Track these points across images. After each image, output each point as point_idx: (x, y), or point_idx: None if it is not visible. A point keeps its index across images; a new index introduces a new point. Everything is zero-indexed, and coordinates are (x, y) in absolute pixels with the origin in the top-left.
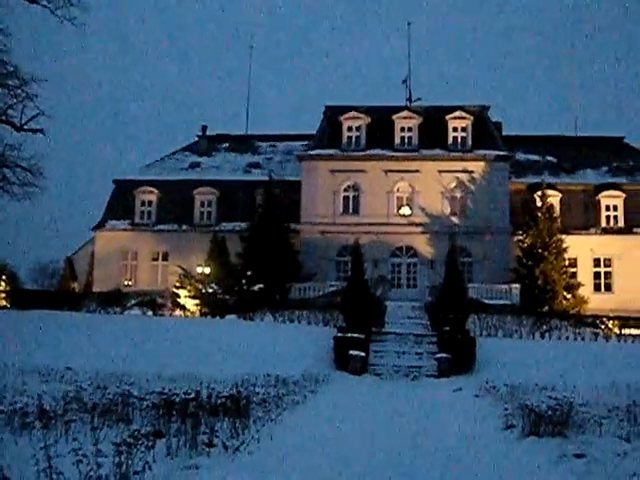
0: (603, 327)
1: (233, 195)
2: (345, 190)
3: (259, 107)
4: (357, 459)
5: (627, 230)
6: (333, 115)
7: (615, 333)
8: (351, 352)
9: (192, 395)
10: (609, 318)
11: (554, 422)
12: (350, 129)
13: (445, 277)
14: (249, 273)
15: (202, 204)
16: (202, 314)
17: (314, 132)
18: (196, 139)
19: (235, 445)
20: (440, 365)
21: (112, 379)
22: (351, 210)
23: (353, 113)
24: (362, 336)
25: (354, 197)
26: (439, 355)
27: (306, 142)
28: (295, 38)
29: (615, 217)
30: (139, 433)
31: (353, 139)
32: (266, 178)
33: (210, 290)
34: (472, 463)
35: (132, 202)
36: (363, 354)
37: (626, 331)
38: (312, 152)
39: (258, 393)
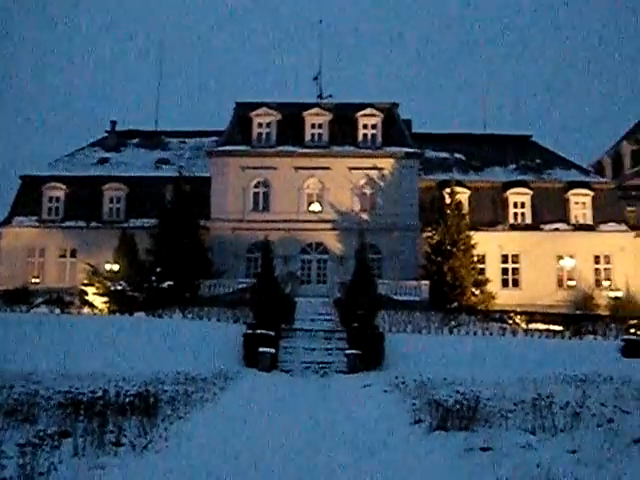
0: (510, 322)
1: (142, 191)
2: (255, 187)
3: (170, 103)
4: (265, 456)
5: (534, 227)
6: (244, 111)
7: (522, 328)
8: (261, 349)
9: (99, 394)
10: (516, 313)
11: (461, 416)
12: (260, 125)
13: (355, 273)
14: (158, 270)
15: (111, 200)
16: (110, 312)
17: (225, 129)
18: (105, 135)
19: (143, 444)
20: (350, 361)
21: (18, 378)
22: (261, 207)
23: (264, 109)
24: (272, 333)
25: (264, 194)
26: (349, 351)
27: (216, 138)
28: (207, 34)
29: (522, 214)
30: (44, 433)
31: (264, 135)
32: (176, 174)
33: (119, 287)
34: (381, 458)
35: (39, 198)
36: (273, 351)
37: (533, 326)
38: (222, 148)
39: (167, 391)
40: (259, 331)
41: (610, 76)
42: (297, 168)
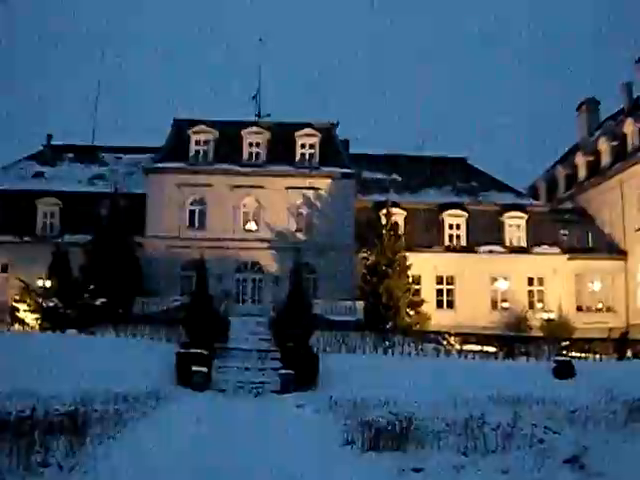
0: (445, 343)
1: (77, 206)
2: (191, 204)
3: (107, 118)
4: (192, 477)
5: (469, 249)
6: (182, 128)
7: (456, 349)
8: (194, 368)
9: (27, 413)
10: (451, 334)
11: (394, 437)
12: (198, 143)
13: (289, 293)
14: (91, 287)
15: (45, 215)
16: (42, 329)
17: (162, 145)
18: (41, 149)
19: (71, 464)
20: (283, 381)
21: None
22: (197, 225)
23: (202, 127)
24: (205, 352)
25: (200, 211)
26: (282, 371)
27: (153, 155)
28: (147, 51)
29: (458, 236)
30: None
31: (201, 153)
32: (111, 190)
33: (51, 304)
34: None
35: None
36: (206, 370)
37: (467, 347)
38: (159, 165)
39: (97, 410)
40: (192, 350)
41: (546, 100)
42: (234, 186)
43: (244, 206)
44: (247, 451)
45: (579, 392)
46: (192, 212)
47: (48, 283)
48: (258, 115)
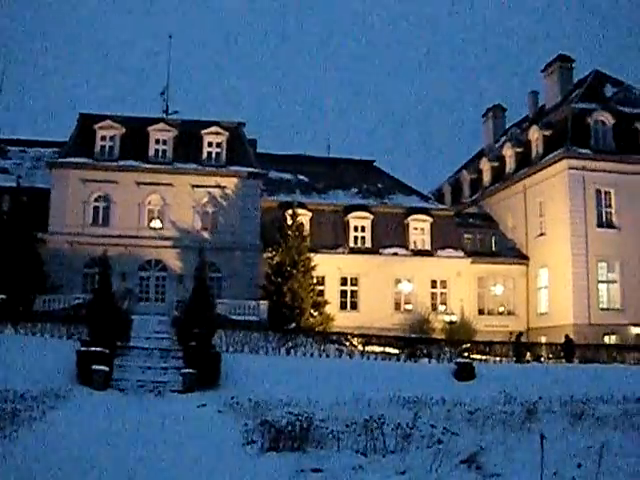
0: (348, 344)
1: None
2: (96, 200)
3: (11, 112)
4: (85, 477)
5: (374, 251)
6: (87, 123)
7: (359, 350)
8: (94, 367)
9: None
10: (353, 335)
11: (293, 437)
12: (104, 138)
13: (193, 292)
14: None
15: None
16: None
17: (67, 140)
18: None
19: None
20: (185, 380)
21: None
22: (101, 221)
23: (108, 122)
24: (106, 350)
25: (105, 208)
26: (185, 370)
27: (58, 149)
28: (56, 45)
29: (363, 238)
30: None
31: (107, 149)
32: (14, 184)
33: None
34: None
35: None
36: (107, 369)
37: (369, 348)
38: (63, 160)
39: None
40: (93, 348)
41: (452, 106)
42: (139, 183)
43: (149, 203)
44: (145, 451)
45: (479, 393)
46: (96, 208)
47: None
48: (166, 112)
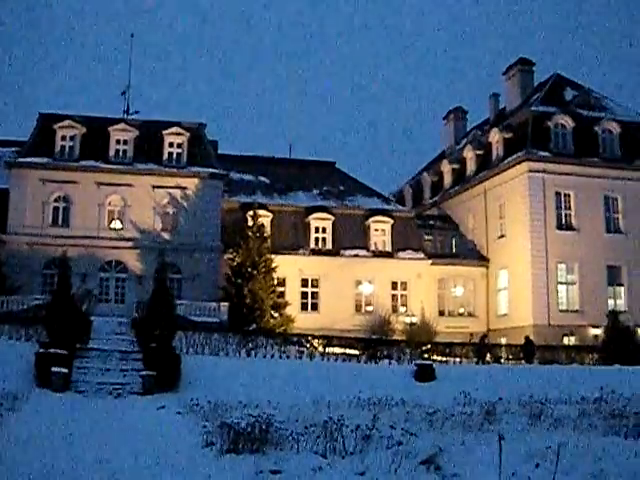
0: (308, 346)
1: None
2: (55, 201)
3: None
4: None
5: (335, 252)
6: (47, 123)
7: (319, 352)
8: (53, 369)
9: None
10: (314, 337)
11: (253, 439)
12: (64, 138)
13: (153, 293)
14: None
15: None
16: None
17: (27, 140)
18: None
19: None
20: (145, 382)
21: None
22: (61, 222)
23: (68, 122)
24: (65, 352)
25: (64, 208)
26: (144, 372)
27: (17, 149)
28: (16, 44)
29: (324, 239)
30: None
31: (67, 149)
32: None
33: None
34: None
35: None
36: (66, 371)
37: (330, 350)
38: (22, 160)
39: None
40: (52, 350)
41: (414, 108)
42: (100, 184)
43: (110, 204)
44: (104, 453)
45: (438, 395)
46: (56, 209)
47: None
48: (127, 112)
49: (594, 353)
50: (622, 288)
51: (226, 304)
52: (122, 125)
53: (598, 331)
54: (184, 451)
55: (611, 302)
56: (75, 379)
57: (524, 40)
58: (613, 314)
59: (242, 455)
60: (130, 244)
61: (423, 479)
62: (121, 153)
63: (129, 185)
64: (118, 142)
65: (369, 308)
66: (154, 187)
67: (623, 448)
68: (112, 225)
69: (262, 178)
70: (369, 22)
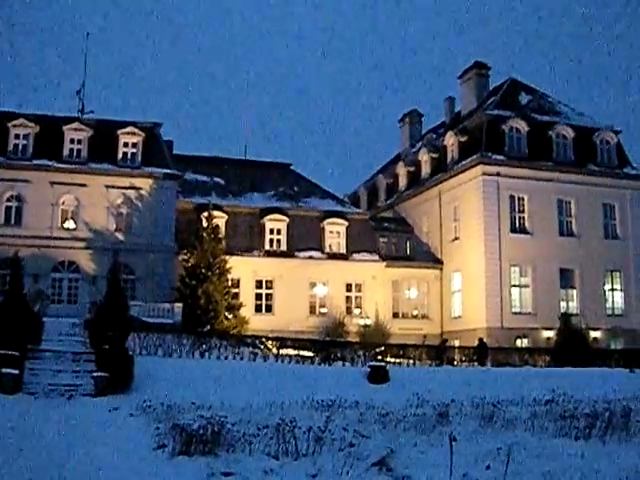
0: (262, 347)
1: None
2: (8, 200)
3: None
4: None
5: (289, 254)
6: (1, 121)
7: (273, 353)
8: (4, 370)
9: None
10: (268, 338)
11: (205, 441)
12: (17, 137)
13: (106, 294)
14: None
15: None
16: None
17: None
18: None
19: None
20: (97, 384)
21: None
22: (13, 221)
23: (22, 120)
24: (16, 353)
25: (17, 208)
26: (97, 374)
27: None
28: None
29: (278, 241)
30: None
31: (20, 147)
32: None
33: None
34: None
35: None
36: (17, 372)
37: (284, 351)
38: None
39: None
40: (3, 351)
41: (371, 110)
42: (53, 183)
43: (63, 204)
44: (55, 456)
45: (391, 397)
46: (8, 208)
47: None
48: (81, 111)
49: (546, 355)
50: (574, 291)
51: (180, 305)
52: (76, 124)
53: (550, 333)
54: (136, 453)
55: (564, 305)
56: (26, 381)
57: (481, 44)
58: (565, 317)
59: (194, 457)
60: (83, 244)
61: None
62: (75, 152)
63: (83, 185)
64: (72, 141)
65: (323, 310)
66: (108, 187)
67: (573, 449)
68: (65, 225)
69: (217, 179)
70: (326, 23)
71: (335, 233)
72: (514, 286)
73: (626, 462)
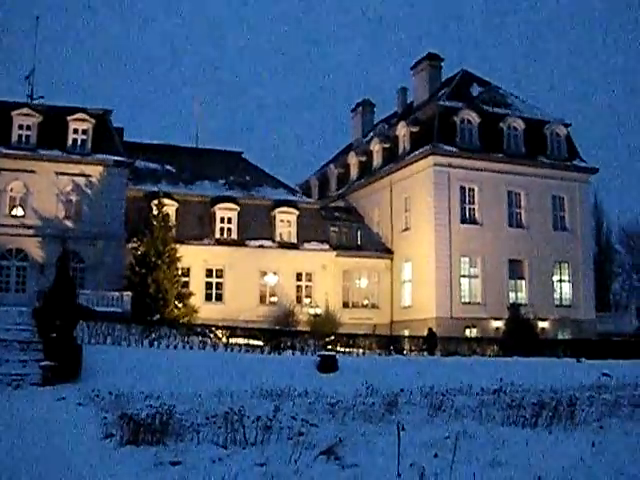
0: (212, 336)
1: None
2: None
3: None
4: None
5: (240, 242)
6: None
7: (223, 342)
8: None
9: None
10: (218, 327)
11: (153, 430)
12: None
13: (55, 282)
14: None
15: None
16: None
17: None
18: None
19: None
20: (45, 373)
21: None
22: None
23: None
24: None
25: None
26: (44, 363)
27: None
28: None
29: (229, 229)
30: None
31: None
32: None
33: None
34: (66, 474)
35: None
36: None
37: (234, 340)
38: None
39: None
40: None
41: (323, 100)
42: (1, 170)
43: (11, 190)
44: (0, 446)
45: (341, 386)
46: None
47: None
48: (31, 97)
49: (495, 345)
50: (523, 282)
51: (129, 294)
52: (25, 110)
53: (499, 323)
54: (83, 443)
55: (512, 295)
56: None
57: (434, 35)
58: (514, 307)
59: (142, 446)
60: (32, 232)
61: (323, 469)
62: (24, 138)
63: (32, 171)
64: (21, 127)
65: (274, 299)
66: (57, 174)
67: (520, 437)
68: (13, 212)
69: (168, 167)
70: (280, 8)
71: (286, 222)
72: (464, 276)
73: (571, 450)
